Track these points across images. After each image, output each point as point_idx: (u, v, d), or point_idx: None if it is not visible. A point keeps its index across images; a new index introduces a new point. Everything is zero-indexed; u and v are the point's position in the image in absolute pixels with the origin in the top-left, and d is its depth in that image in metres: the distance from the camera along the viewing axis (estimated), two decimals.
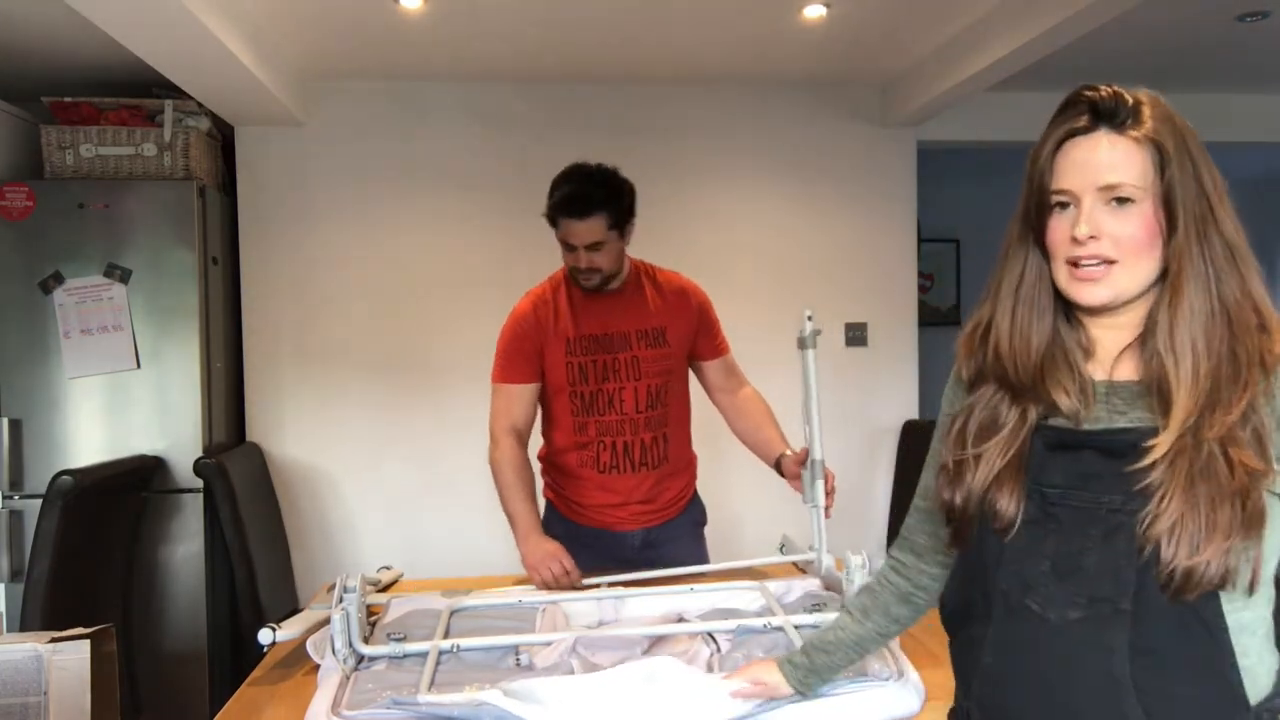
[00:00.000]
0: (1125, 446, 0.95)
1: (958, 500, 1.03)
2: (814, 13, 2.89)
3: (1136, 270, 0.97)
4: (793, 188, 3.73)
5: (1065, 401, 0.99)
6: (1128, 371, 1.00)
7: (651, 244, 3.63)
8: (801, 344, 1.89)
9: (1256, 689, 0.93)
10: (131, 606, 3.07)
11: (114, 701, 1.34)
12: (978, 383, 1.07)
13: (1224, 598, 0.91)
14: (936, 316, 5.03)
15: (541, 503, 2.32)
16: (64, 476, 2.54)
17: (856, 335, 3.77)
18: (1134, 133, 0.97)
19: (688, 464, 2.30)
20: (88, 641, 1.28)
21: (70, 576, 2.56)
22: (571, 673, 1.44)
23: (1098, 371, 1.02)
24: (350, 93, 3.52)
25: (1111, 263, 0.97)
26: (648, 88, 3.63)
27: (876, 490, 3.80)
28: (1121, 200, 0.96)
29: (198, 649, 3.16)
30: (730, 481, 3.52)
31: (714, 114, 3.67)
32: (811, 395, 1.89)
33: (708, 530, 2.36)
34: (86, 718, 1.26)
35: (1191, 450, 0.91)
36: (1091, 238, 0.97)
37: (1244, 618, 0.93)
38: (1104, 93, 0.98)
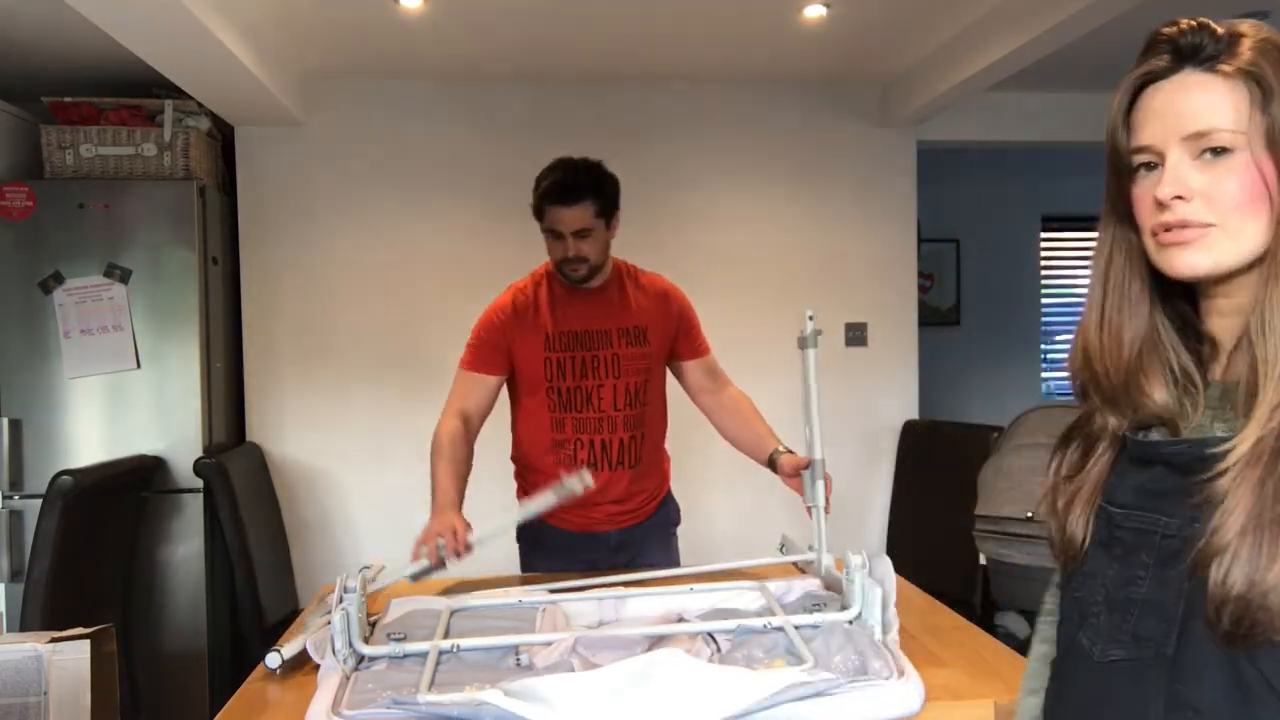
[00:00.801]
0: (1193, 458, 0.78)
1: (1053, 529, 0.91)
2: (814, 13, 2.90)
3: (1242, 233, 0.78)
4: (793, 188, 3.73)
5: (1156, 405, 0.83)
6: (1241, 369, 0.80)
7: (651, 243, 3.65)
8: (802, 344, 1.89)
9: None
10: (131, 606, 3.07)
11: (114, 701, 1.34)
12: (1084, 399, 0.91)
13: None
14: (936, 316, 5.04)
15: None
16: (64, 476, 2.53)
17: (856, 335, 3.77)
18: (1226, 67, 0.78)
19: (661, 463, 2.31)
20: (88, 641, 1.28)
21: (70, 576, 2.56)
22: (572, 672, 1.44)
23: (1215, 371, 0.84)
24: (350, 93, 3.52)
25: (1208, 225, 0.78)
26: (648, 88, 3.63)
27: (876, 490, 3.80)
28: (1216, 151, 0.77)
29: (198, 649, 3.16)
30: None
31: (714, 114, 3.67)
32: (812, 395, 1.89)
33: (683, 530, 2.35)
34: (86, 718, 1.26)
35: (1270, 458, 0.72)
36: (1178, 198, 0.78)
37: None
38: (1184, 25, 0.80)
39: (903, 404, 3.82)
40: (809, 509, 1.95)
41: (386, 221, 3.55)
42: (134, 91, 3.26)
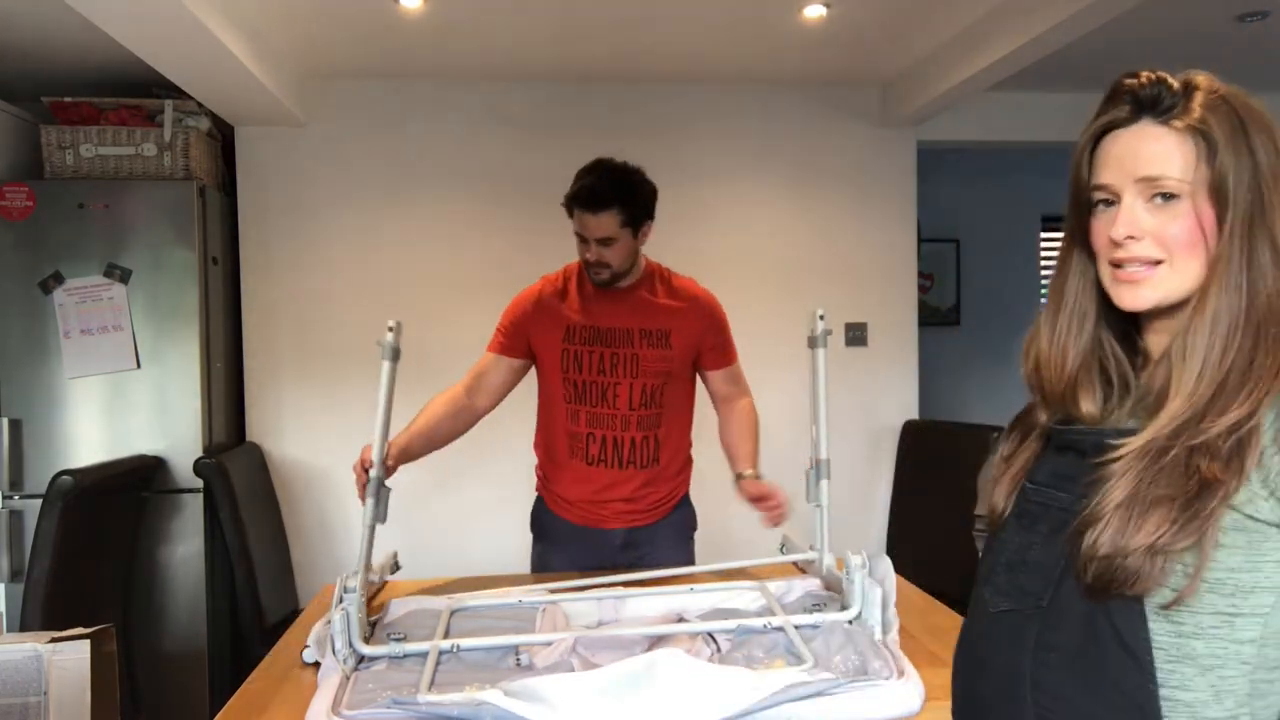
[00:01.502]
0: (1093, 445, 0.91)
1: (984, 509, 1.04)
2: (814, 13, 2.90)
3: (1187, 270, 0.89)
4: (793, 188, 3.73)
5: (1084, 414, 0.96)
6: (1159, 379, 0.93)
7: (649, 245, 3.64)
8: (812, 343, 1.90)
9: None
10: (131, 606, 3.07)
11: (114, 701, 1.34)
12: (1031, 392, 1.03)
13: (1157, 613, 0.83)
14: (936, 316, 5.04)
15: (532, 498, 2.34)
16: (64, 476, 2.54)
17: (856, 335, 3.77)
18: (1178, 122, 0.88)
19: (680, 469, 2.30)
20: (88, 641, 1.28)
21: (70, 576, 2.56)
22: (572, 672, 1.44)
23: (1144, 378, 0.95)
24: (350, 93, 3.52)
25: (1158, 262, 0.90)
26: (648, 88, 3.63)
27: (877, 490, 3.80)
28: (1166, 196, 0.89)
29: (198, 649, 3.16)
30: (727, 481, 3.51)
31: (714, 114, 3.67)
32: (820, 394, 1.90)
33: (704, 537, 2.35)
34: (87, 718, 1.26)
35: (1155, 454, 0.85)
36: (1130, 238, 0.90)
37: (1192, 646, 0.83)
38: (1144, 79, 0.90)
39: (903, 404, 3.82)
40: (816, 508, 1.95)
41: (386, 221, 3.55)
42: (134, 91, 3.26)
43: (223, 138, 3.47)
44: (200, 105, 3.21)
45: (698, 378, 2.29)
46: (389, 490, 1.96)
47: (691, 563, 2.28)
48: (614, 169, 2.10)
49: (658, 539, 2.24)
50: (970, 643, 1.01)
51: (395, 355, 1.91)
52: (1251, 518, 0.81)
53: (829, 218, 3.75)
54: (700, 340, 2.21)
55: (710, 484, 3.61)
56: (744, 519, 3.57)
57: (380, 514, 1.94)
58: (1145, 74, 0.90)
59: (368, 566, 1.93)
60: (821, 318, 1.89)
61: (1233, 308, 0.86)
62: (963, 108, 3.67)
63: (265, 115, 3.31)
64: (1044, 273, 5.21)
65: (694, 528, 2.35)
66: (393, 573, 2.17)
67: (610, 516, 2.20)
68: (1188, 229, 0.88)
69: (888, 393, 3.80)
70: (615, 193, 2.05)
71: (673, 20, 2.95)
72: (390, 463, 1.99)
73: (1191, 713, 0.83)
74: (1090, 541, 0.84)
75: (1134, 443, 0.86)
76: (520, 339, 2.20)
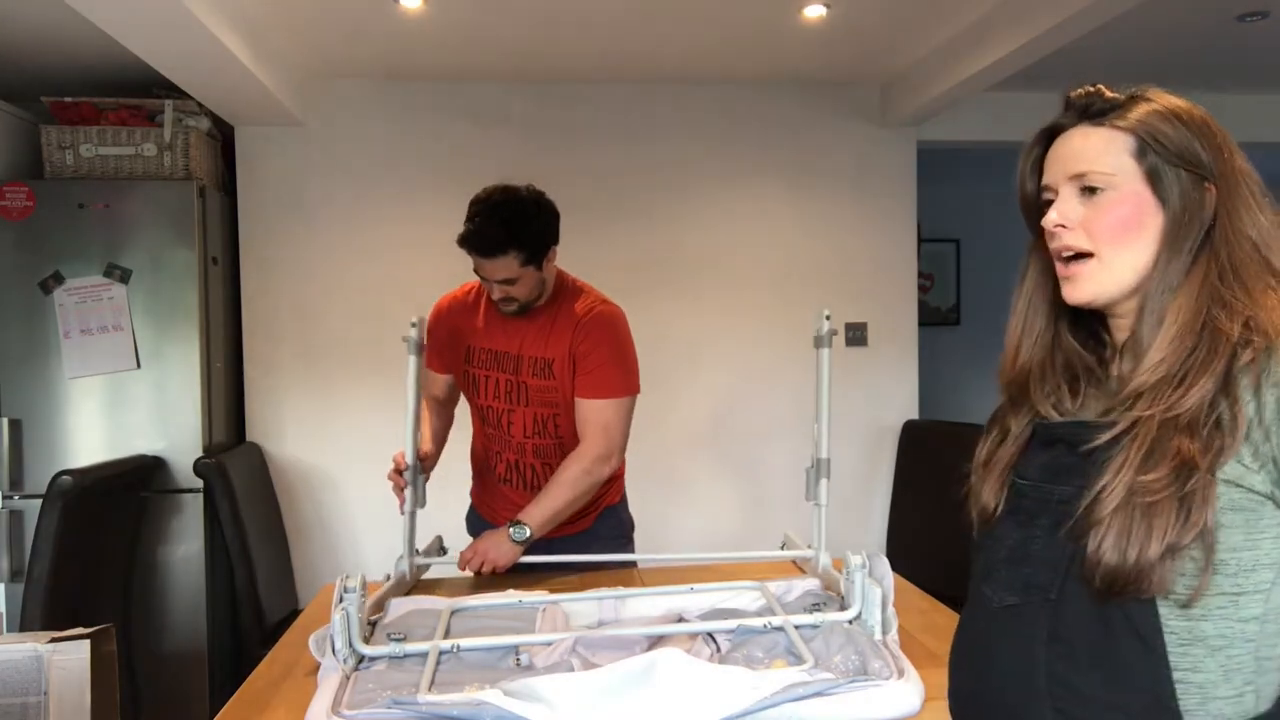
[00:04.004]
0: (1080, 438, 0.93)
1: (972, 500, 1.06)
2: (814, 13, 2.90)
3: (1116, 263, 0.94)
4: (793, 188, 3.73)
5: (1042, 411, 1.01)
6: (1126, 367, 0.98)
7: (649, 244, 3.66)
8: (818, 343, 1.90)
9: (1208, 711, 0.86)
10: (131, 606, 3.07)
11: (114, 701, 1.34)
12: (1000, 392, 1.09)
13: (1167, 599, 0.85)
14: (936, 316, 5.04)
15: (467, 503, 2.35)
16: (64, 476, 2.54)
17: (856, 335, 3.77)
18: (1112, 122, 0.95)
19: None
20: (88, 641, 1.28)
21: (70, 576, 2.56)
22: (572, 672, 1.44)
23: (1113, 368, 1.00)
24: (350, 93, 3.52)
25: (1088, 256, 0.95)
26: (648, 88, 3.62)
27: (877, 490, 3.80)
28: (1091, 190, 0.95)
29: (198, 649, 3.16)
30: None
31: (714, 114, 3.67)
32: (823, 393, 1.90)
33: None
34: (86, 718, 1.26)
35: (1141, 439, 0.87)
36: (1061, 226, 0.96)
37: (1202, 628, 0.85)
38: (1081, 90, 0.99)
39: (903, 404, 3.82)
40: (815, 507, 1.95)
41: (386, 221, 3.55)
42: (134, 91, 3.26)
43: (223, 138, 3.47)
44: (200, 105, 3.20)
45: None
46: (425, 477, 2.02)
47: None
48: (505, 205, 1.93)
49: (580, 549, 2.13)
50: (972, 639, 1.01)
51: (420, 350, 1.95)
52: (1249, 490, 0.84)
53: (829, 218, 3.75)
54: (572, 363, 2.05)
55: (704, 483, 3.61)
56: (740, 518, 3.59)
57: (420, 499, 1.99)
58: (1087, 86, 0.98)
59: (413, 551, 2.00)
60: (828, 317, 1.89)
61: (1172, 295, 0.91)
62: (963, 108, 3.67)
63: (265, 115, 3.31)
64: None
65: (627, 533, 2.28)
66: (440, 554, 2.14)
67: None
68: (1113, 219, 0.93)
69: (888, 393, 3.80)
70: (509, 235, 1.90)
71: (672, 20, 2.95)
72: (427, 465, 2.10)
73: (1203, 694, 0.85)
74: (1094, 549, 0.86)
75: (1115, 428, 0.89)
76: (437, 353, 2.18)
